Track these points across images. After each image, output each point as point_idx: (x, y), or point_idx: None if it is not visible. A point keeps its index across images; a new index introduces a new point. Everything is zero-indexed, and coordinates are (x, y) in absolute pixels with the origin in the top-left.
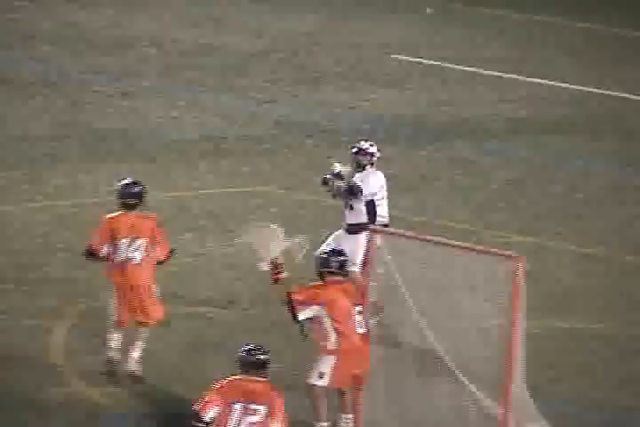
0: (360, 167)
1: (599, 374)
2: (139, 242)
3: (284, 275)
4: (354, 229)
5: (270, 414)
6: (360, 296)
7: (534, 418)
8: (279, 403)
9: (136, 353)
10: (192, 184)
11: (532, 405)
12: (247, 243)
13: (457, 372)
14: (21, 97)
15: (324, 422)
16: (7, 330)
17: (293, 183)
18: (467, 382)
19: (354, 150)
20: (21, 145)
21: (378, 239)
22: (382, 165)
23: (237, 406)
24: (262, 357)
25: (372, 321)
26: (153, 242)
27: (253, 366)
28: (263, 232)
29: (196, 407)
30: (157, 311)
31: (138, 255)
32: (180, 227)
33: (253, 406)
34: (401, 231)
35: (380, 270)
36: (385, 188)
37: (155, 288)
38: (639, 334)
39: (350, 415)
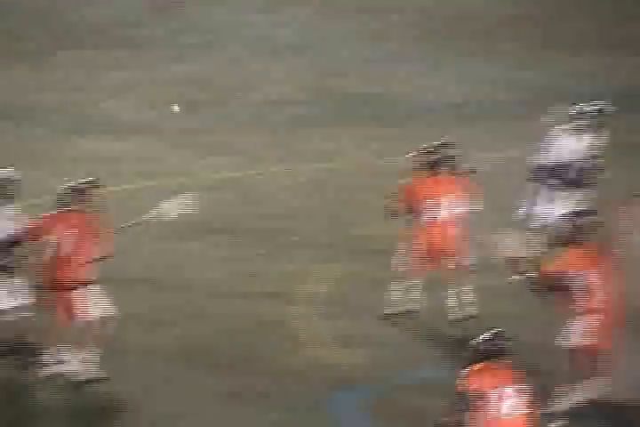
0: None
1: None
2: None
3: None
4: None
5: (520, 397)
6: None
7: None
8: (525, 385)
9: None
10: None
11: None
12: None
13: None
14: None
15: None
16: (249, 295)
17: None
18: None
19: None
20: (268, 108)
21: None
22: None
23: (493, 393)
24: (504, 343)
25: None
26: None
27: (497, 352)
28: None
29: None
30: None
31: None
32: None
33: (507, 391)
34: None
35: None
36: None
37: None
38: None
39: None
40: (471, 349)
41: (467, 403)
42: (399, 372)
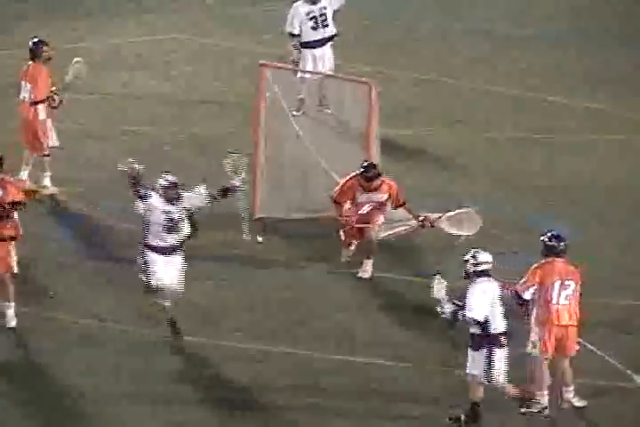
0: None
1: None
2: None
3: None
4: None
5: (576, 289)
6: None
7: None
8: (580, 279)
9: None
10: None
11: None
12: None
13: (329, 170)
14: None
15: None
16: None
17: None
18: (336, 177)
19: None
20: None
21: (267, 72)
22: None
23: (557, 284)
24: (562, 243)
25: None
26: None
27: (557, 250)
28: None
29: (517, 288)
30: None
31: None
32: None
33: (567, 282)
34: (286, 65)
35: (268, 94)
36: None
37: None
38: None
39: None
40: (541, 244)
41: (520, 298)
42: None
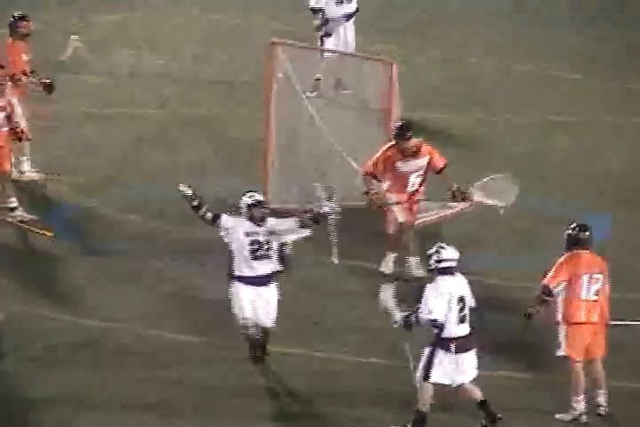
0: None
1: None
2: None
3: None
4: None
5: (605, 282)
6: None
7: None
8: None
9: None
10: None
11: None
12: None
13: (347, 156)
14: None
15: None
16: None
17: None
18: (353, 163)
19: None
20: None
21: (279, 50)
22: None
23: (585, 277)
24: (587, 233)
25: None
26: None
27: (582, 241)
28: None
29: (547, 283)
30: None
31: None
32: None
33: (595, 276)
34: (298, 43)
35: (280, 75)
36: None
37: None
38: None
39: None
40: (565, 236)
41: (550, 292)
42: None
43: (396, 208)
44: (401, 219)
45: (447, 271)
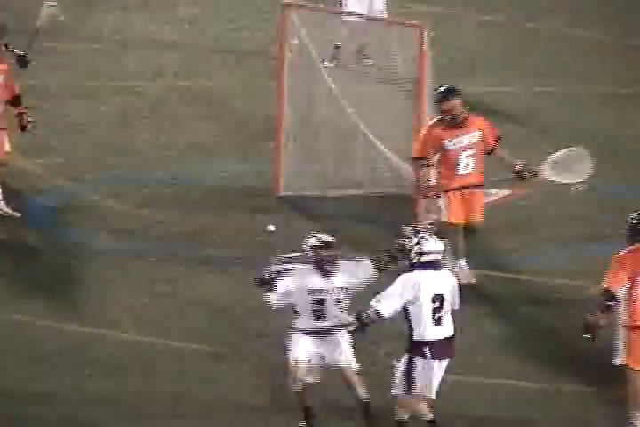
0: None
1: None
2: None
3: None
4: None
5: None
6: None
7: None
8: None
9: None
10: None
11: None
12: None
13: (370, 135)
14: None
15: None
16: None
17: None
18: (378, 144)
19: None
20: None
21: (293, 14)
22: None
23: None
24: None
25: None
26: None
27: None
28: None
29: (608, 285)
30: None
31: None
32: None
33: None
34: (317, 5)
35: (294, 41)
36: None
37: None
38: None
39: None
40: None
41: (613, 297)
42: None
43: (442, 202)
44: (444, 217)
45: (430, 265)
